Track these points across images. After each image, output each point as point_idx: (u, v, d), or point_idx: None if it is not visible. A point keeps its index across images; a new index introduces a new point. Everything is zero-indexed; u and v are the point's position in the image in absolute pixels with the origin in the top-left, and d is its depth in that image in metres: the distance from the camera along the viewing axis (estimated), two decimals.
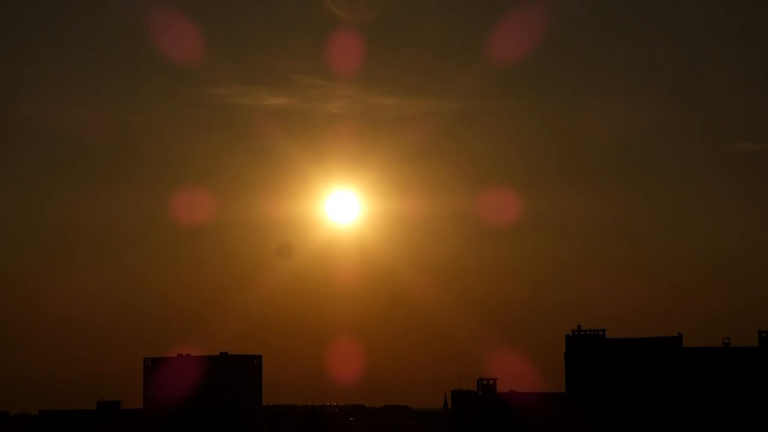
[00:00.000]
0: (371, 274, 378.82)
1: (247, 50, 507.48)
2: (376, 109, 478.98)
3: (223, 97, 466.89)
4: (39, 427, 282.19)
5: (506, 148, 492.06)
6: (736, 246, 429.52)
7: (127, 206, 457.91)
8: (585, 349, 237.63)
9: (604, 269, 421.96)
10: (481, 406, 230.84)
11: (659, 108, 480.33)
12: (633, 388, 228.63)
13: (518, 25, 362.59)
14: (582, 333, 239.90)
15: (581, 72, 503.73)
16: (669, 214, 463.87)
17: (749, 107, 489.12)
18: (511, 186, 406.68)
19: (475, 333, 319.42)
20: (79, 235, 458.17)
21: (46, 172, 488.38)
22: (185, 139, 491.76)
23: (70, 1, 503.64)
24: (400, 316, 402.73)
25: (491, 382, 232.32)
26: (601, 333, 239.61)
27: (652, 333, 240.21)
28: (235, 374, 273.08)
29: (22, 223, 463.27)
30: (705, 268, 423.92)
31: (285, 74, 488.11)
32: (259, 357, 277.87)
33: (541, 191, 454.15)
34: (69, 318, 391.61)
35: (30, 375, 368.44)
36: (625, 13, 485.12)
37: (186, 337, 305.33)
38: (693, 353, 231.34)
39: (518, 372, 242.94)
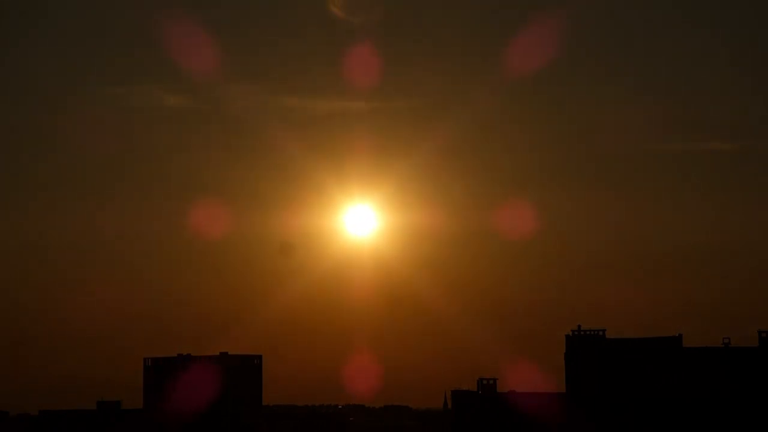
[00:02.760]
0: (386, 283, 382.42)
1: (262, 60, 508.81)
2: (393, 122, 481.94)
3: (240, 106, 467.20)
4: (39, 427, 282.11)
5: (522, 159, 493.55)
6: (736, 246, 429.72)
7: (147, 219, 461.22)
8: (585, 349, 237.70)
9: (605, 269, 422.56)
10: (481, 406, 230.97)
11: (667, 117, 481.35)
12: (633, 388, 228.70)
13: (534, 36, 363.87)
14: (582, 333, 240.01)
15: (596, 83, 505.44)
16: (669, 215, 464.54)
17: (752, 109, 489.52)
18: (525, 197, 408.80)
19: (476, 333, 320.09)
20: (94, 245, 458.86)
21: (66, 186, 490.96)
22: (204, 150, 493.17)
23: (80, 17, 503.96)
24: (402, 317, 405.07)
25: (491, 382, 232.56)
26: (601, 333, 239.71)
27: (652, 333, 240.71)
28: (235, 374, 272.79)
29: (34, 232, 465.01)
30: (705, 268, 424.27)
31: (298, 84, 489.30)
32: (259, 357, 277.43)
33: (550, 197, 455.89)
34: (78, 322, 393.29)
35: (30, 375, 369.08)
36: (639, 24, 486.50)
37: (201, 343, 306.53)
38: (693, 353, 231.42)
39: (518, 372, 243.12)
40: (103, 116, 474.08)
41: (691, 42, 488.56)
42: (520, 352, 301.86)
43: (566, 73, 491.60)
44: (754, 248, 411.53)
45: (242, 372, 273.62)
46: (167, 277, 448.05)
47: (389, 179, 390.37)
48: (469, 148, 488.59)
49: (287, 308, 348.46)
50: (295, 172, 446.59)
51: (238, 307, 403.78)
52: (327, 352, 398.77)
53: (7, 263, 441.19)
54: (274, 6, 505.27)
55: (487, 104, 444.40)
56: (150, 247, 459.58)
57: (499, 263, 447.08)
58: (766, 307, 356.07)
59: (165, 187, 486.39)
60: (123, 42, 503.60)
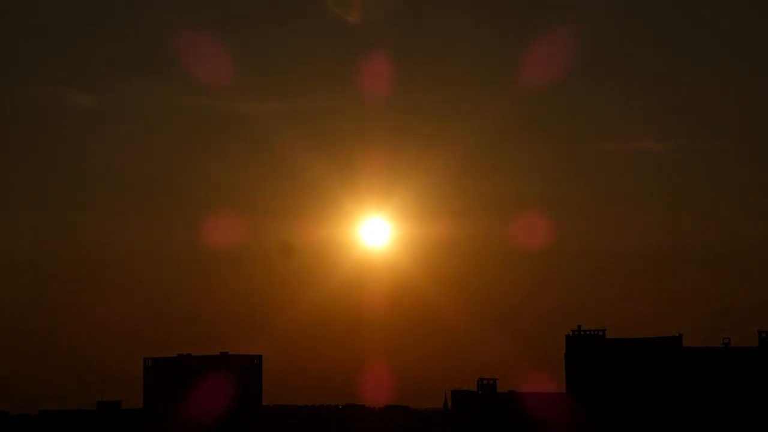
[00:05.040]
0: (397, 289, 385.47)
1: (275, 71, 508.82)
2: (407, 133, 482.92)
3: (254, 116, 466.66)
4: (39, 427, 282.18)
5: (535, 172, 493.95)
6: (737, 246, 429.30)
7: (159, 226, 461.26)
8: (585, 349, 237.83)
9: (605, 269, 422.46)
10: (481, 406, 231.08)
11: (668, 118, 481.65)
12: (633, 388, 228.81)
13: (547, 50, 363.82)
14: (582, 333, 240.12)
15: (609, 96, 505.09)
16: (668, 214, 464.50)
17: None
18: (539, 206, 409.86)
19: (477, 334, 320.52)
20: (98, 248, 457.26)
21: (70, 188, 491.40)
22: (218, 159, 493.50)
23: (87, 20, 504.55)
24: (406, 318, 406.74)
25: (491, 382, 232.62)
26: (601, 333, 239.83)
27: (652, 333, 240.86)
28: (235, 374, 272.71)
29: (35, 233, 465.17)
30: (705, 268, 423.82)
31: (313, 96, 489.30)
32: (259, 357, 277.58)
33: (559, 201, 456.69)
34: (79, 323, 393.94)
35: (30, 375, 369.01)
36: (652, 37, 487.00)
37: (211, 349, 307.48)
38: (693, 353, 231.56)
39: (518, 372, 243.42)
40: (114, 120, 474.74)
41: (707, 54, 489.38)
42: (520, 352, 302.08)
43: (581, 86, 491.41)
44: (754, 247, 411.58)
45: (242, 372, 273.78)
46: (178, 282, 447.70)
47: (403, 191, 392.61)
48: (482, 160, 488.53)
49: (302, 315, 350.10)
50: (311, 185, 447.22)
51: (252, 314, 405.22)
52: (339, 358, 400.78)
53: (8, 264, 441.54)
54: (284, 13, 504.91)
55: (501, 116, 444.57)
56: (163, 253, 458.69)
57: (501, 265, 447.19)
58: (766, 307, 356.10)
59: (177, 195, 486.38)
60: (130, 45, 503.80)
